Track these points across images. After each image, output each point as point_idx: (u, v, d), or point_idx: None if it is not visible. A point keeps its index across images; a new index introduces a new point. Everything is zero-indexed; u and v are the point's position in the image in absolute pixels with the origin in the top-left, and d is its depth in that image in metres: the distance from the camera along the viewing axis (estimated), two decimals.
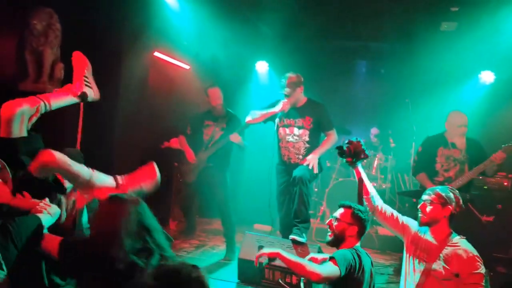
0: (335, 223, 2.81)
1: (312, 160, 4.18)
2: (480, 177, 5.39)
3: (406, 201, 6.74)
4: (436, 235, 2.95)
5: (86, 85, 3.07)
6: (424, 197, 3.02)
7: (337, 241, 2.79)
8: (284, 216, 4.48)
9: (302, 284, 3.65)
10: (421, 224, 3.01)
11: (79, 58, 3.11)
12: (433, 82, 6.73)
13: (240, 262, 4.08)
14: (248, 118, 4.55)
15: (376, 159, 6.70)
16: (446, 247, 2.88)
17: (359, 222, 2.79)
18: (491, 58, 6.27)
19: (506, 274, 4.88)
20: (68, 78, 4.47)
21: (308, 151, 4.35)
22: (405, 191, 6.63)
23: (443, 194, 2.96)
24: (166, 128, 6.06)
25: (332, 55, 7.33)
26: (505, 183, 5.87)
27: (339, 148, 3.12)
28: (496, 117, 6.58)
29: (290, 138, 4.41)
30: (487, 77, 6.70)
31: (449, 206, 2.94)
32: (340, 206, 2.87)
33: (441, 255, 2.87)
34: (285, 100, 4.35)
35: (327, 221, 2.90)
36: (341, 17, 5.96)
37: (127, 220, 2.19)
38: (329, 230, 2.84)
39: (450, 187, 3.13)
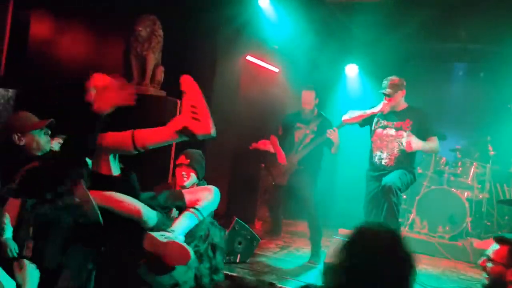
0: (489, 265, 2.29)
1: (411, 139, 4.01)
2: None
3: (506, 213, 6.30)
4: None
5: (193, 118, 2.56)
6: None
7: None
8: None
9: None
10: None
11: (187, 84, 2.66)
12: None
13: (326, 265, 4.07)
14: (345, 117, 4.52)
15: (473, 167, 6.32)
16: None
17: None
18: None
19: None
20: (167, 81, 4.79)
21: (401, 155, 4.21)
22: (508, 199, 6.12)
23: None
24: (255, 130, 6.20)
25: (428, 58, 7.06)
26: None
27: None
28: None
29: (384, 138, 4.32)
30: None
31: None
32: (494, 240, 2.31)
33: None
34: (385, 101, 4.27)
35: (480, 261, 2.42)
36: (439, 18, 5.71)
37: None
38: (484, 272, 2.35)
39: None
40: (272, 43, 6.28)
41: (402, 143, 4.11)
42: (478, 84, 7.26)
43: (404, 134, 4.16)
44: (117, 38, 4.84)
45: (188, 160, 3.53)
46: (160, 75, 4.65)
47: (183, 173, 3.51)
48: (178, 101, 4.67)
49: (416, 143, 4.05)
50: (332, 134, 4.61)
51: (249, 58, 6.06)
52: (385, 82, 4.28)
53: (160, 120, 4.59)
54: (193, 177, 3.54)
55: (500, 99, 6.52)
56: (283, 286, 3.75)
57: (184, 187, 3.39)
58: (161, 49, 4.66)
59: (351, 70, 7.24)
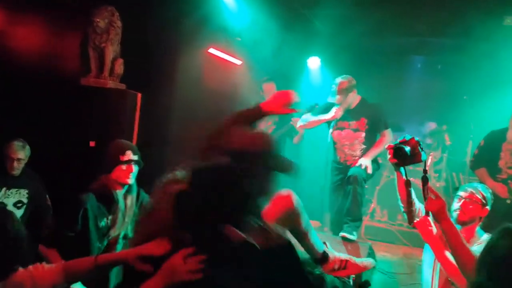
0: None
1: (364, 162, 4.14)
2: None
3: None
4: (466, 234, 2.81)
5: None
6: (464, 194, 2.90)
7: None
8: (335, 213, 4.47)
9: (351, 281, 3.63)
10: (458, 222, 2.85)
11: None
12: (494, 79, 6.44)
13: None
14: (299, 124, 4.56)
15: (430, 157, 6.52)
16: (474, 245, 2.74)
17: None
18: None
19: None
20: (127, 74, 4.69)
21: (364, 152, 4.31)
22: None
23: (486, 195, 2.88)
24: (219, 123, 6.16)
25: (387, 51, 7.18)
26: None
27: (396, 148, 2.63)
28: None
29: (344, 141, 4.39)
30: None
31: (487, 207, 2.87)
32: None
33: None
34: (337, 108, 4.33)
35: None
36: (398, 13, 5.83)
37: None
38: None
39: (487, 186, 3.03)
40: (234, 35, 6.25)
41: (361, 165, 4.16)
42: (435, 76, 7.48)
43: (359, 160, 4.19)
44: (74, 29, 4.70)
45: (136, 156, 3.00)
46: (120, 67, 4.55)
47: (132, 172, 2.95)
48: (139, 94, 4.60)
49: (369, 162, 4.15)
50: (296, 123, 4.68)
51: (211, 50, 6.01)
52: (334, 87, 4.31)
53: (121, 113, 4.55)
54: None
55: (456, 90, 6.74)
56: None
57: (128, 186, 2.99)
58: (120, 41, 4.55)
59: (313, 63, 7.30)
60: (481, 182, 4.41)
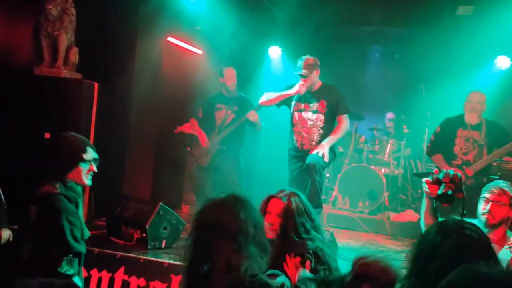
0: None
1: (322, 149, 4.17)
2: (495, 163, 5.31)
3: (419, 187, 6.72)
4: (495, 236, 2.79)
5: None
6: (491, 196, 2.83)
7: None
8: None
9: None
10: (487, 226, 2.79)
11: None
12: (448, 68, 6.65)
13: None
14: (262, 99, 4.53)
15: (389, 144, 6.68)
16: (505, 247, 2.69)
17: None
18: (507, 42, 6.16)
19: None
20: (83, 63, 4.55)
21: (322, 137, 4.33)
22: (421, 172, 6.54)
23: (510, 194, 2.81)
24: (179, 113, 6.09)
25: (346, 40, 7.28)
26: None
27: (442, 196, 2.45)
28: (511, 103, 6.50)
29: (304, 123, 4.40)
30: (503, 62, 6.60)
31: None
32: None
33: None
34: (302, 82, 4.32)
35: None
36: (356, 2, 5.90)
37: None
38: None
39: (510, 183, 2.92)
40: (194, 24, 6.16)
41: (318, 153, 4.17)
42: (393, 65, 7.64)
43: (317, 148, 4.21)
44: (25, 16, 4.50)
45: (96, 154, 2.71)
46: (75, 56, 4.40)
47: (92, 172, 2.67)
48: (96, 84, 4.46)
49: (327, 149, 4.16)
50: (253, 115, 4.66)
51: (170, 39, 5.91)
52: (300, 63, 4.33)
53: (77, 104, 4.41)
54: None
55: (412, 79, 6.91)
56: None
57: (83, 186, 2.78)
58: (75, 29, 4.40)
59: (274, 52, 7.31)
60: (438, 167, 4.54)
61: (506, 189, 2.85)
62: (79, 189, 2.68)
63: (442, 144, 4.57)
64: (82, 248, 2.54)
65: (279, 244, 2.45)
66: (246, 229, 1.73)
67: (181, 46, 6.21)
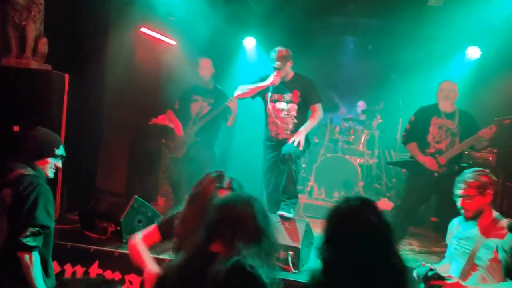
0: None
1: (299, 137, 4.19)
2: (466, 152, 5.42)
3: (393, 176, 6.83)
4: (483, 223, 2.84)
5: None
6: (460, 191, 2.89)
7: None
8: (271, 192, 4.50)
9: (290, 259, 3.70)
10: (467, 219, 2.90)
11: None
12: (420, 58, 6.73)
13: None
14: (237, 92, 4.52)
15: (364, 134, 6.75)
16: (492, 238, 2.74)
17: None
18: (478, 33, 6.27)
19: None
20: (53, 53, 4.44)
21: (296, 127, 4.36)
22: (396, 161, 6.61)
23: (478, 183, 2.84)
24: (154, 104, 6.02)
25: (320, 32, 7.29)
26: (490, 158, 5.94)
27: None
28: (481, 93, 6.63)
29: (278, 113, 4.41)
30: (473, 52, 6.71)
31: (488, 191, 2.84)
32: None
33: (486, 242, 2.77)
34: (275, 73, 4.33)
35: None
36: None
37: None
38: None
39: (477, 170, 2.96)
40: (167, 14, 6.08)
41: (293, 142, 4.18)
42: (367, 56, 7.71)
43: (293, 137, 4.22)
44: None
45: (65, 153, 2.87)
46: (44, 47, 4.29)
47: (57, 165, 2.83)
48: (67, 75, 4.36)
49: (303, 137, 4.19)
50: (232, 102, 4.66)
51: (144, 30, 5.82)
52: (273, 54, 4.35)
53: (47, 95, 4.30)
54: None
55: (386, 70, 6.99)
56: None
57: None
58: (43, 18, 4.28)
59: (249, 43, 7.28)
60: (412, 156, 4.60)
61: (470, 180, 2.88)
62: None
63: (416, 132, 4.61)
64: (50, 223, 2.60)
65: None
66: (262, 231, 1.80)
67: (154, 37, 6.13)
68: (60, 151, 2.80)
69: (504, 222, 2.78)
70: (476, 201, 2.85)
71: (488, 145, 4.43)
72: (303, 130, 4.25)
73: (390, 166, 6.65)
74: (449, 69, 6.76)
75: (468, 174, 2.92)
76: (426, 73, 6.48)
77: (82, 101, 4.60)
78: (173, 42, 6.51)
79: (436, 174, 4.40)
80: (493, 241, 2.73)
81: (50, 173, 2.79)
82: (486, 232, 2.83)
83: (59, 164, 2.81)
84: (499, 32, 5.76)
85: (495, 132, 4.17)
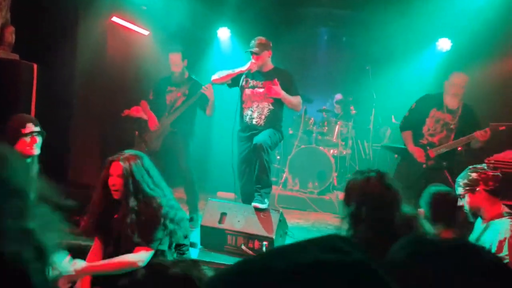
0: None
1: (277, 88, 4.19)
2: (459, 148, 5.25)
3: (367, 166, 6.91)
4: (489, 214, 2.77)
5: None
6: (457, 192, 2.91)
7: None
8: (245, 183, 4.49)
9: (264, 249, 3.73)
10: (472, 218, 2.88)
11: None
12: (393, 50, 6.82)
13: (203, 228, 4.11)
14: (214, 77, 4.49)
15: (337, 126, 6.81)
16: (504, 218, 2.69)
17: None
18: (448, 25, 6.37)
19: None
20: (20, 43, 4.30)
21: (271, 115, 4.35)
22: (391, 146, 6.52)
23: (463, 182, 2.81)
24: (127, 95, 5.92)
25: (295, 22, 7.28)
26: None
27: None
28: None
29: (255, 98, 4.40)
30: (444, 44, 6.83)
31: (478, 188, 2.76)
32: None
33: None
34: (253, 60, 4.31)
35: None
36: None
37: None
38: None
39: (471, 167, 2.87)
40: (140, 3, 5.97)
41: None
42: (341, 48, 7.76)
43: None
44: None
45: (38, 127, 3.16)
46: (11, 36, 4.16)
47: (36, 143, 3.14)
48: (35, 65, 4.24)
49: (277, 89, 4.20)
50: (207, 90, 4.61)
51: (115, 19, 5.69)
52: (253, 42, 4.35)
53: (15, 86, 4.17)
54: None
55: (359, 61, 7.04)
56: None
57: (32, 157, 3.14)
58: (10, 6, 4.15)
59: (223, 34, 7.23)
60: (405, 144, 4.53)
61: (460, 179, 2.86)
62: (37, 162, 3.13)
63: (414, 121, 4.51)
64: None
65: (125, 204, 2.71)
66: None
67: (126, 27, 6.01)
68: (29, 129, 3.06)
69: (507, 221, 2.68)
70: (469, 200, 2.80)
71: (482, 147, 4.27)
72: (282, 92, 4.25)
73: (379, 147, 6.61)
74: (421, 61, 6.86)
75: (462, 173, 2.89)
76: (399, 64, 6.56)
77: (51, 92, 4.48)
78: (145, 32, 6.40)
79: (424, 166, 4.41)
80: (501, 222, 2.68)
81: (32, 150, 3.06)
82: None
83: (37, 139, 3.08)
84: (470, 23, 5.86)
85: (490, 136, 4.08)
